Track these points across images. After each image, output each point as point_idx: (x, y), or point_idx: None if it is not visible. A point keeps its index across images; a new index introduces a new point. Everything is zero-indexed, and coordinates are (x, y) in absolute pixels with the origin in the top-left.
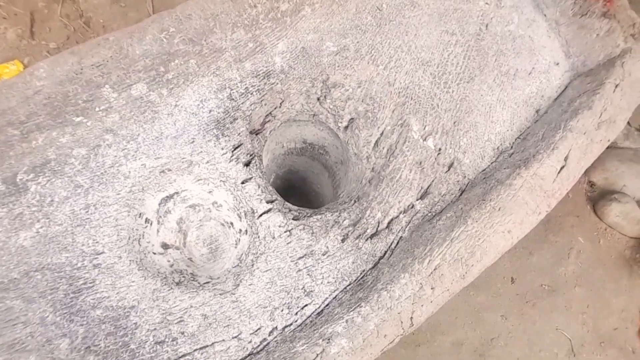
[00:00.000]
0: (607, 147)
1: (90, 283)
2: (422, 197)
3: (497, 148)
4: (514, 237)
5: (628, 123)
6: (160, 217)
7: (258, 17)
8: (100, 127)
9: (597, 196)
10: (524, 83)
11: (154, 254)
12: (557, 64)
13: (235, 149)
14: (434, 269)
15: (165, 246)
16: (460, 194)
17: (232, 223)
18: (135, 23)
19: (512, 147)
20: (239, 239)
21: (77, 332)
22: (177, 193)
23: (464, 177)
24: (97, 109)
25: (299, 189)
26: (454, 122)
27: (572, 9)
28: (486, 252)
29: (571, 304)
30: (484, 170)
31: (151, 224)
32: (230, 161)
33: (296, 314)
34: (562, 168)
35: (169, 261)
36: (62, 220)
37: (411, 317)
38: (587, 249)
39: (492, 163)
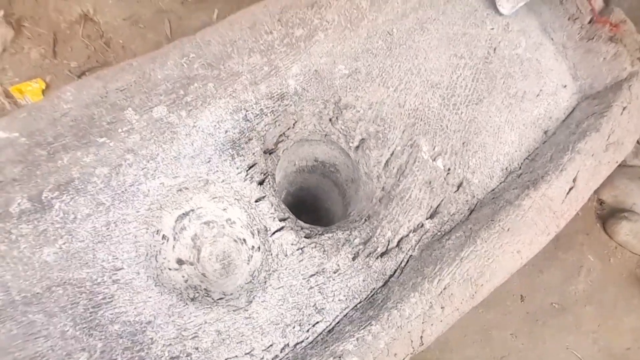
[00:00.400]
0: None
1: (109, 298)
2: (431, 217)
3: (506, 168)
4: (523, 258)
5: (638, 141)
6: (176, 233)
7: (274, 42)
8: (122, 147)
9: (606, 214)
10: (532, 105)
11: (170, 269)
12: (565, 86)
13: (250, 168)
14: (444, 288)
15: (180, 262)
16: (470, 214)
17: (244, 240)
18: (153, 44)
19: (520, 167)
20: (252, 256)
21: (96, 347)
22: (192, 210)
23: (473, 196)
24: (119, 130)
25: (310, 205)
26: (463, 143)
27: (579, 33)
28: (495, 273)
29: (582, 322)
30: (492, 190)
31: (168, 241)
32: (245, 180)
33: (307, 331)
34: (570, 189)
35: (183, 277)
36: (84, 236)
37: (421, 336)
38: (597, 267)
39: (500, 183)
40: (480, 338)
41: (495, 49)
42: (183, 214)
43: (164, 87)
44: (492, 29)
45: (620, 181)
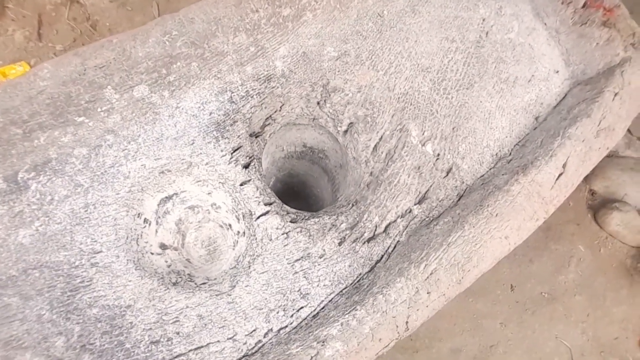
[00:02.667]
0: (608, 156)
1: (88, 282)
2: (420, 202)
3: (496, 154)
4: (511, 243)
5: (629, 132)
6: (159, 217)
7: (260, 21)
8: (102, 127)
9: (598, 205)
10: (524, 90)
11: (152, 254)
12: (557, 72)
13: (234, 151)
14: (430, 274)
15: (163, 247)
16: (458, 200)
17: (230, 225)
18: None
19: (510, 153)
20: (237, 241)
21: (73, 331)
22: (176, 194)
23: (462, 182)
24: (99, 109)
25: (299, 192)
26: (453, 128)
27: (572, 18)
28: (483, 258)
29: (571, 312)
30: (482, 176)
31: (150, 224)
32: (229, 163)
33: (292, 316)
34: (560, 175)
35: (166, 262)
36: (62, 218)
37: (406, 322)
38: (588, 258)
39: (490, 169)
40: (469, 327)
41: (487, 33)
42: (166, 197)
43: (145, 66)
44: (485, 12)
45: (612, 172)
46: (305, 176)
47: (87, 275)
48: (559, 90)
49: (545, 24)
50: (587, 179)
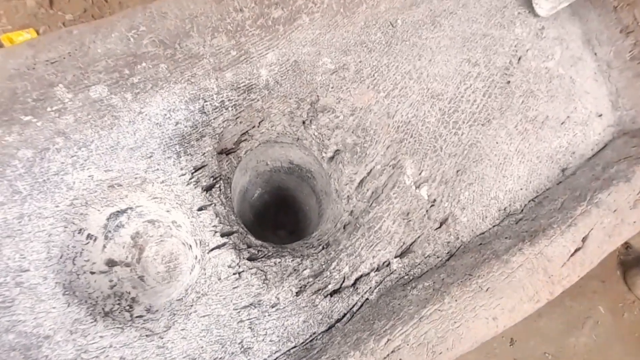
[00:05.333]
0: None
1: (10, 302)
2: (401, 255)
3: (504, 209)
4: (500, 326)
5: None
6: (110, 232)
7: (244, 22)
8: (52, 128)
9: (631, 261)
10: (553, 134)
11: (92, 273)
12: (600, 115)
13: (196, 171)
14: (392, 351)
15: (111, 263)
16: (448, 259)
17: (191, 246)
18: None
19: (522, 210)
20: (194, 266)
21: None
22: (130, 208)
23: (456, 238)
24: (48, 109)
25: (290, 205)
26: (457, 171)
27: (631, 51)
28: (460, 340)
29: None
30: (482, 233)
31: (95, 240)
32: (188, 184)
33: None
34: (577, 250)
35: (111, 281)
36: None
37: None
38: (607, 321)
39: (493, 226)
40: None
41: (520, 59)
42: (118, 211)
43: (104, 64)
44: (521, 32)
45: None
46: (295, 192)
47: (10, 295)
48: (598, 138)
49: (595, 54)
50: None
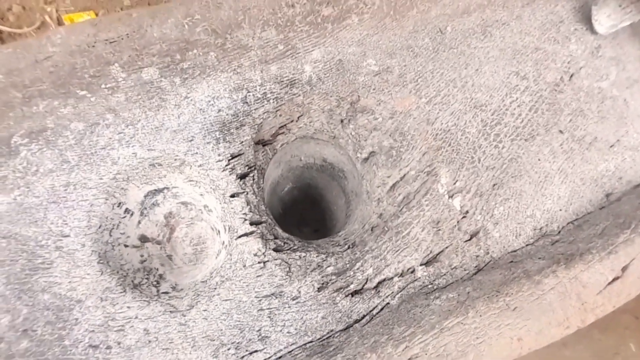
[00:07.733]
0: None
1: (48, 264)
2: (427, 264)
3: (540, 229)
4: (524, 348)
5: None
6: (145, 208)
7: (294, 18)
8: (104, 104)
9: None
10: (600, 156)
11: (126, 246)
12: None
13: (232, 158)
14: (409, 359)
15: (144, 239)
16: (475, 273)
17: (219, 231)
18: None
19: (559, 232)
20: (220, 251)
21: (21, 312)
22: (167, 188)
23: (486, 252)
24: (102, 85)
25: (318, 203)
26: (494, 185)
27: None
28: (481, 356)
29: None
30: (514, 251)
31: (131, 215)
32: (223, 170)
33: (242, 357)
34: (615, 279)
35: (142, 256)
36: (41, 193)
37: None
38: None
39: (527, 245)
40: None
41: (572, 76)
42: (155, 190)
43: (159, 48)
44: (576, 49)
45: None
46: (325, 190)
47: (50, 257)
48: None
49: None
50: None
